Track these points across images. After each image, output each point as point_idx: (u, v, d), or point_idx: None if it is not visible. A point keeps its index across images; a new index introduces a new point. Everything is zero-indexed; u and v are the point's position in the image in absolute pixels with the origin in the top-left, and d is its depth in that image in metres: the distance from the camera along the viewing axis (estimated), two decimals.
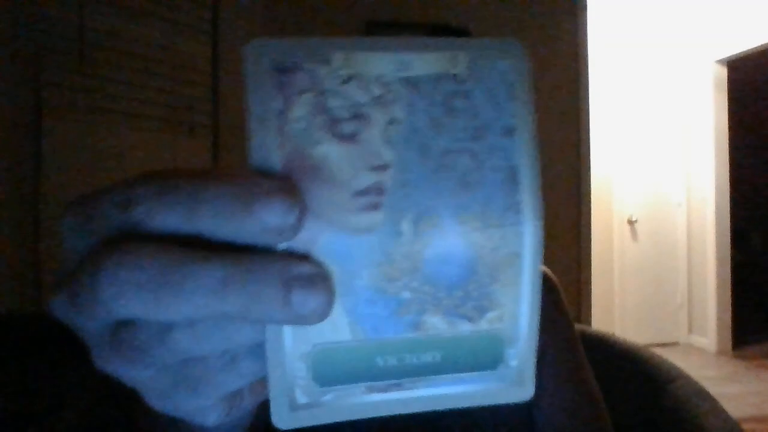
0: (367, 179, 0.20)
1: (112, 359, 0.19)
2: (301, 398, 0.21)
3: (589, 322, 2.41)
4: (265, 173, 0.20)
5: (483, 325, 0.22)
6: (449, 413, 0.61)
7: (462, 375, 0.22)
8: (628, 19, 3.90)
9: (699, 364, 3.61)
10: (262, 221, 0.18)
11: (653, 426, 0.76)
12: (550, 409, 0.64)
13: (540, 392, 0.64)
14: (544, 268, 0.71)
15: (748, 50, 3.59)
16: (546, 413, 0.64)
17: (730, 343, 3.88)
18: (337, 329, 0.21)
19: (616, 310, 4.03)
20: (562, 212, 2.39)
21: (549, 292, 0.69)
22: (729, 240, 3.86)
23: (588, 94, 2.41)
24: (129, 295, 0.18)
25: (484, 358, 0.22)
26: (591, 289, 2.42)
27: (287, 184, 0.19)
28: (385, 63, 0.21)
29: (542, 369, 0.65)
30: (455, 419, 0.62)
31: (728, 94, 3.85)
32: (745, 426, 0.67)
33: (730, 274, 3.86)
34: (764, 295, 4.50)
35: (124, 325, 0.19)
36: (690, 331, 4.09)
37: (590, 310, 2.41)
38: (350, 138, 0.20)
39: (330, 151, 0.20)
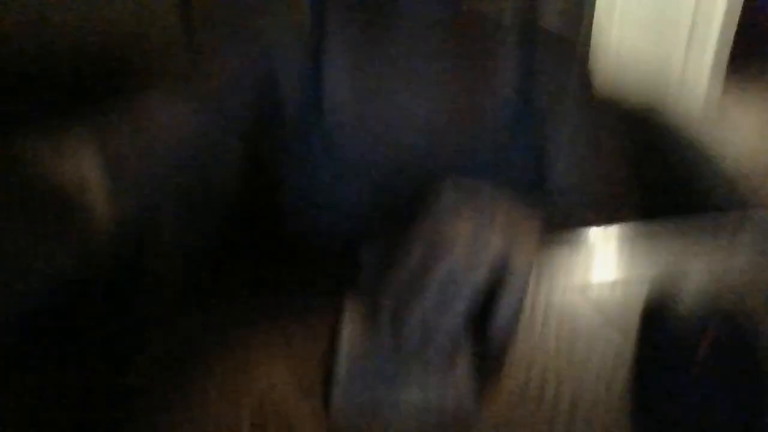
0: None
1: None
2: None
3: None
4: None
5: None
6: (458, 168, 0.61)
7: None
8: None
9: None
10: None
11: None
12: (563, 167, 0.64)
13: (554, 151, 0.63)
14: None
15: None
16: (558, 172, 0.64)
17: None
18: None
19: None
20: None
21: (563, 44, 0.66)
22: None
23: None
24: None
25: None
26: None
27: None
28: None
29: (556, 128, 0.63)
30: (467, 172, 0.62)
31: None
32: None
33: None
34: None
35: None
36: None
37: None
38: None
39: None
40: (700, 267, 0.42)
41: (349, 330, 0.41)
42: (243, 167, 0.59)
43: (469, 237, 0.40)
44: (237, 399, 0.36)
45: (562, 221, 0.55)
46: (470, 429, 0.35)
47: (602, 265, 0.50)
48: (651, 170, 0.79)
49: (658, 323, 0.40)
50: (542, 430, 0.35)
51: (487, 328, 0.40)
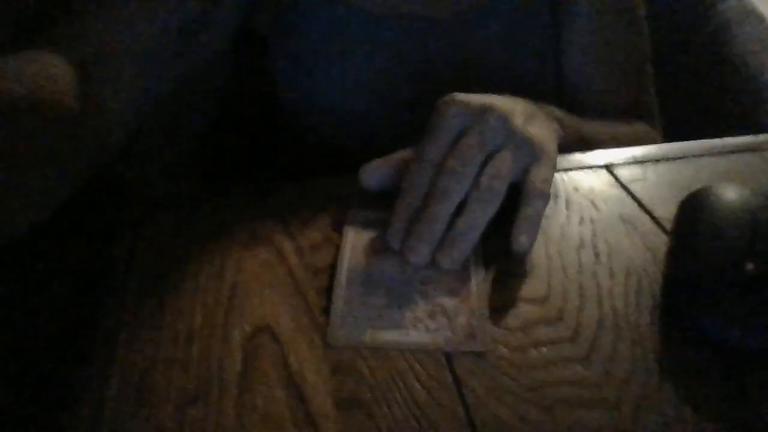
0: None
1: None
2: None
3: None
4: None
5: None
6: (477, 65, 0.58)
7: None
8: None
9: None
10: None
11: (696, 50, 0.75)
12: (583, 33, 0.59)
13: (573, 16, 0.58)
14: None
15: None
16: (574, 71, 0.60)
17: None
18: None
19: None
20: None
21: None
22: None
23: None
24: None
25: None
26: None
27: None
28: None
29: (571, 19, 0.58)
30: (480, 54, 0.58)
31: None
32: None
33: None
34: None
35: None
36: None
37: None
38: None
39: None
40: (738, 188, 0.37)
41: (350, 256, 0.37)
42: (234, 52, 0.55)
43: (484, 153, 0.37)
44: (228, 331, 0.32)
45: (577, 134, 0.50)
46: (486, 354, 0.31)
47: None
48: (680, 79, 0.74)
49: (699, 223, 0.35)
50: (565, 346, 0.32)
51: (508, 241, 0.36)
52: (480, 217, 0.35)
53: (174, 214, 0.41)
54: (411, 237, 0.36)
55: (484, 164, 0.36)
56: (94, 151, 0.38)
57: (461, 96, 0.39)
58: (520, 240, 0.36)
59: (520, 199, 0.37)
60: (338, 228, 0.40)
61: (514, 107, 0.39)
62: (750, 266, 0.31)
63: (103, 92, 0.39)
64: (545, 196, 0.37)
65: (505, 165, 0.36)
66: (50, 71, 0.35)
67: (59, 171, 0.35)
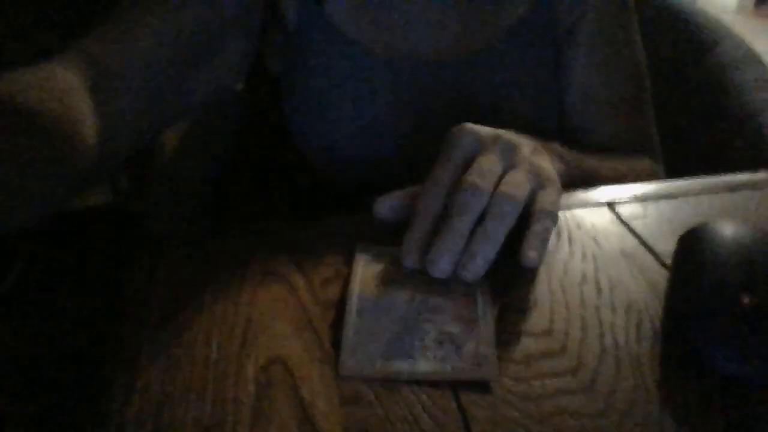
0: None
1: None
2: None
3: None
4: None
5: None
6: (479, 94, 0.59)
7: None
8: None
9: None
10: None
11: (694, 92, 0.75)
12: (583, 71, 0.60)
13: (573, 55, 0.60)
14: None
15: None
16: (578, 77, 0.60)
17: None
18: None
19: None
20: None
21: None
22: None
23: None
24: None
25: None
26: None
27: None
28: None
29: (580, 30, 0.59)
30: (486, 95, 0.59)
31: None
32: None
33: None
34: None
35: None
36: None
37: None
38: None
39: None
40: (735, 224, 0.39)
41: (359, 286, 0.38)
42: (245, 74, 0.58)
43: (499, 171, 0.38)
44: (242, 362, 0.34)
45: (579, 171, 0.52)
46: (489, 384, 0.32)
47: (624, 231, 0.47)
48: (680, 117, 0.75)
49: (697, 259, 0.36)
50: (567, 378, 0.32)
51: (517, 257, 0.38)
52: (498, 230, 0.37)
53: (190, 250, 0.43)
54: (432, 251, 0.37)
55: (498, 184, 0.38)
56: (93, 158, 0.39)
57: (471, 126, 0.41)
58: (530, 255, 0.37)
59: (528, 219, 0.38)
60: (348, 264, 0.41)
61: (520, 139, 0.41)
62: (746, 299, 0.32)
63: (107, 108, 0.41)
64: (553, 215, 0.39)
65: (520, 181, 0.38)
66: (58, 83, 0.37)
67: (55, 174, 0.36)
